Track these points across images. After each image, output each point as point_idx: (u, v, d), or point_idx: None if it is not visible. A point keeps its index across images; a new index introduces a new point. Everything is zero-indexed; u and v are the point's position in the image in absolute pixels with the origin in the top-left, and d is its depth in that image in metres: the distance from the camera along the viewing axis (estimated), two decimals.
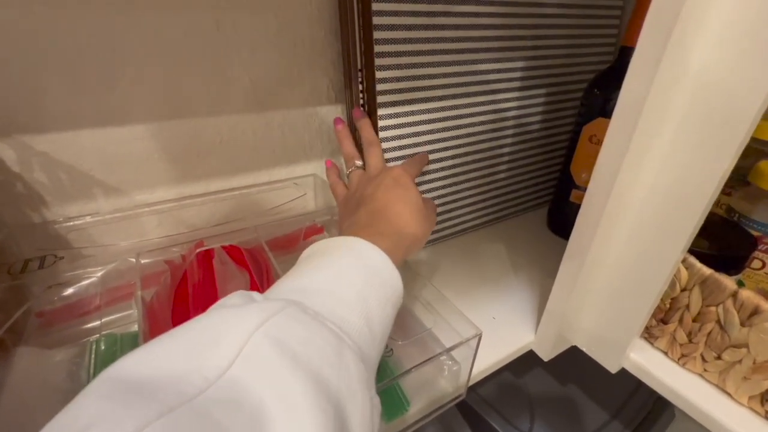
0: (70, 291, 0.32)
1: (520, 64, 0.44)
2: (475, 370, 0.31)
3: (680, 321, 0.30)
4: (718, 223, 0.34)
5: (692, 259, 0.29)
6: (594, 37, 0.50)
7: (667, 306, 0.31)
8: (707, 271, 0.28)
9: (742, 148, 0.23)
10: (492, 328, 0.35)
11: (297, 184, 0.45)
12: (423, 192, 0.44)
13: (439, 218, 0.46)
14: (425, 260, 0.45)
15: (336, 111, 0.44)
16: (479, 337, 0.26)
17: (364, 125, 0.36)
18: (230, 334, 0.14)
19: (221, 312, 0.16)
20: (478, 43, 0.40)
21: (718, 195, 0.38)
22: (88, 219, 0.35)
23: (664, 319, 0.32)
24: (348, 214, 0.32)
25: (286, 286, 0.20)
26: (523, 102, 0.47)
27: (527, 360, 0.37)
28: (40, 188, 0.33)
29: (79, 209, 0.36)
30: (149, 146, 0.36)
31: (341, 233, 0.27)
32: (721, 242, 0.32)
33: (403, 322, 0.30)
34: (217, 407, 0.12)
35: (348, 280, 0.21)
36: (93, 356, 0.28)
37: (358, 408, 0.16)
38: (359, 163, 0.36)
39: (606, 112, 0.41)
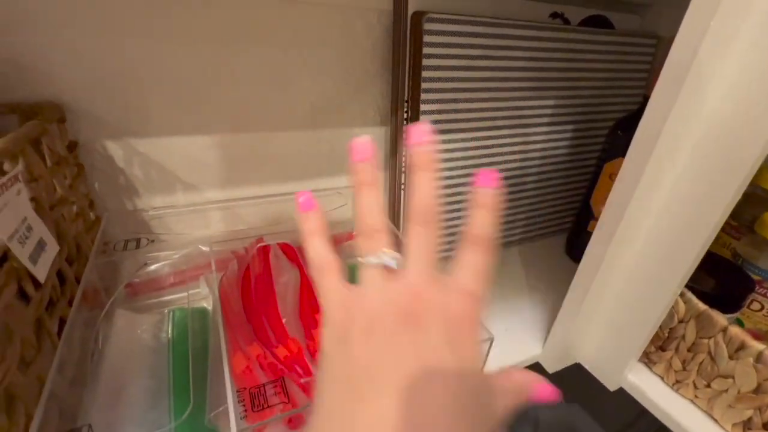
0: (151, 268, 0.39)
1: (550, 102, 0.48)
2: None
3: (676, 350, 0.34)
4: (722, 265, 0.37)
5: (690, 295, 0.32)
6: (624, 80, 0.53)
7: (666, 335, 0.34)
8: (702, 306, 0.31)
9: (737, 198, 0.27)
10: (504, 339, 0.39)
11: (340, 193, 0.51)
12: (449, 212, 0.49)
13: None
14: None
15: (380, 133, 0.50)
16: (491, 341, 0.30)
17: (424, 162, 0.19)
18: None
19: None
20: (513, 83, 0.45)
21: (728, 239, 0.41)
22: (169, 210, 0.42)
23: (662, 347, 0.35)
24: (330, 381, 0.17)
25: None
26: (551, 136, 0.51)
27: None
28: (135, 181, 0.41)
29: (162, 201, 0.43)
30: (222, 153, 0.43)
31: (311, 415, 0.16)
32: (722, 282, 0.35)
33: None
34: None
35: None
36: (171, 323, 0.34)
37: None
38: (387, 258, 0.18)
39: (626, 153, 0.44)
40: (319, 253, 0.20)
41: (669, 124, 0.26)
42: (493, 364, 0.36)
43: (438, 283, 0.18)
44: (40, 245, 0.26)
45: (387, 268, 0.18)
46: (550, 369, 0.38)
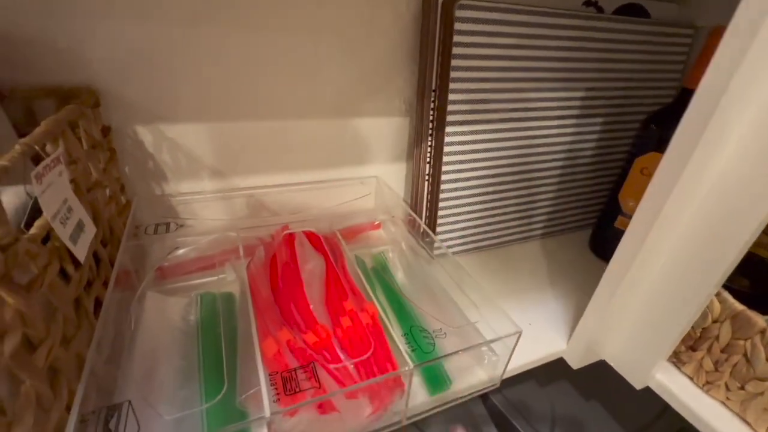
0: (179, 253, 0.40)
1: (581, 93, 0.47)
2: (509, 366, 0.35)
3: (709, 350, 0.33)
4: (760, 265, 0.36)
5: (726, 294, 0.31)
6: (658, 72, 0.51)
7: (698, 335, 0.33)
8: (739, 306, 0.30)
9: None
10: (528, 332, 0.39)
11: (363, 183, 0.51)
12: (473, 203, 0.48)
13: (489, 228, 0.50)
14: (474, 264, 0.50)
15: (406, 122, 0.49)
16: (519, 335, 0.30)
17: None
18: None
19: None
20: (544, 73, 0.43)
21: (766, 239, 0.40)
22: (196, 196, 0.43)
23: (693, 347, 0.34)
24: None
25: None
26: (579, 129, 0.49)
27: (554, 371, 0.40)
28: (164, 167, 0.41)
29: (189, 187, 0.43)
30: (247, 140, 0.43)
31: None
32: (760, 283, 0.34)
33: (453, 315, 0.35)
34: None
35: None
36: (199, 307, 0.35)
37: None
38: None
39: (660, 147, 0.43)
40: None
41: (715, 118, 0.25)
42: (517, 359, 0.36)
43: None
44: (79, 226, 0.26)
45: None
46: (575, 365, 0.38)
